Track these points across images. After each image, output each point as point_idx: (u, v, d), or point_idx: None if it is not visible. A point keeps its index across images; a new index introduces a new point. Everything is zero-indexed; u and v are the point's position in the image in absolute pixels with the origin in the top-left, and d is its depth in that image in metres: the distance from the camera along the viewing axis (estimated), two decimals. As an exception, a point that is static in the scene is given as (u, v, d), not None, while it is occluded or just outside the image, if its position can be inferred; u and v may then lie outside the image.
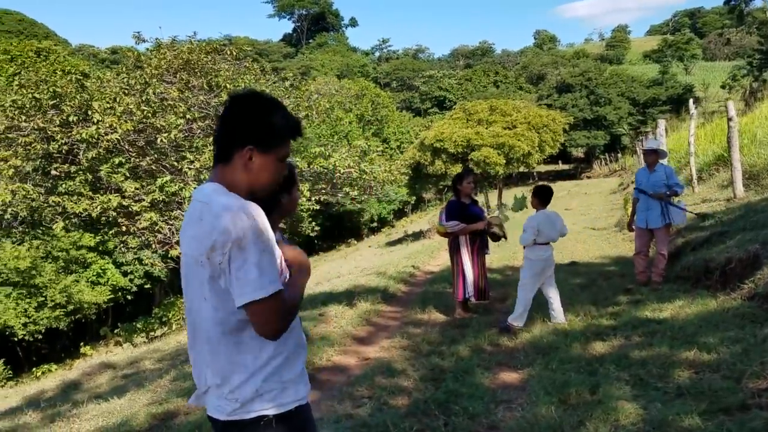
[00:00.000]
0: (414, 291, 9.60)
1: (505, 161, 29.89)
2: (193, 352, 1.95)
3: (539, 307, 6.84)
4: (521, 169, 37.45)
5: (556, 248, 12.29)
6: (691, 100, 12.65)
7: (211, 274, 1.77)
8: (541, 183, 6.96)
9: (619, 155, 49.34)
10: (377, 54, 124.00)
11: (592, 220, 17.27)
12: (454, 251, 7.15)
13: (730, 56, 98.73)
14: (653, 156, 7.38)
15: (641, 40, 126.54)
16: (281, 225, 2.53)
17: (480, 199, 37.18)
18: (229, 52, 13.79)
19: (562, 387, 4.32)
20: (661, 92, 61.02)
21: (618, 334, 5.42)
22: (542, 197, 6.27)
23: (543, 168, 60.46)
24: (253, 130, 1.86)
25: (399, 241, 29.06)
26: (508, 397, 4.46)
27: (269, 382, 1.84)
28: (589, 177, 53.47)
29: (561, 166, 65.30)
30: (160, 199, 11.65)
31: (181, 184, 11.70)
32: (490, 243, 7.45)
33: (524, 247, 6.32)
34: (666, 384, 4.18)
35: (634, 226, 7.57)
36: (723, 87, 66.81)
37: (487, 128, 30.65)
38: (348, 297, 8.48)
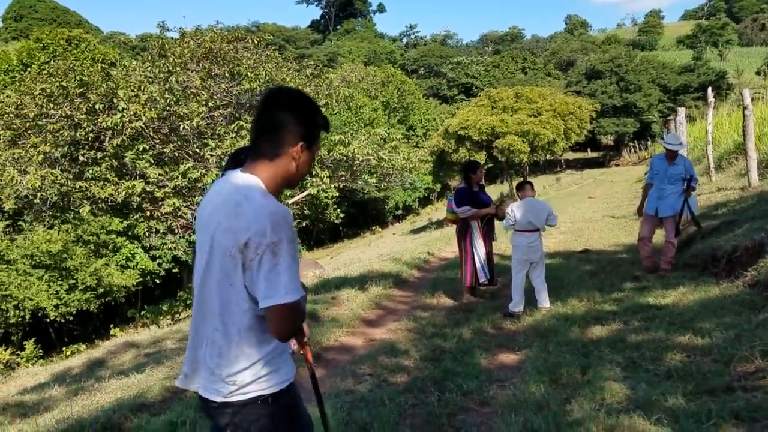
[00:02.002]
0: (426, 277, 9.76)
1: (529, 149, 29.77)
2: (197, 332, 2.05)
3: (548, 292, 6.96)
4: (547, 156, 37.26)
5: (572, 235, 12.42)
6: (709, 89, 12.50)
7: (242, 266, 1.87)
8: (522, 180, 7.33)
9: (649, 143, 48.64)
10: (405, 40, 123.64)
11: (613, 208, 17.20)
12: (463, 237, 7.28)
13: (767, 41, 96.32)
14: (675, 152, 7.27)
15: (675, 25, 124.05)
16: None
17: (505, 187, 37.09)
18: (250, 41, 14.00)
19: (555, 367, 4.47)
20: (692, 79, 59.79)
21: (618, 319, 5.52)
22: (521, 188, 6.66)
23: (571, 156, 59.90)
24: (306, 128, 1.98)
25: (423, 228, 29.19)
26: (503, 377, 4.62)
27: (267, 366, 1.97)
28: (617, 165, 52.87)
29: (590, 154, 64.53)
30: (183, 185, 11.96)
31: (203, 171, 12.00)
32: (498, 229, 7.59)
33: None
34: (657, 366, 4.29)
35: (642, 212, 7.57)
36: (758, 73, 65.35)
37: (511, 116, 30.49)
38: (361, 282, 8.68)
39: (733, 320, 4.89)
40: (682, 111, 12.06)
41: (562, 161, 56.46)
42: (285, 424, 2.02)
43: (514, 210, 6.44)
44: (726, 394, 3.71)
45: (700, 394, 3.75)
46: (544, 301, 6.47)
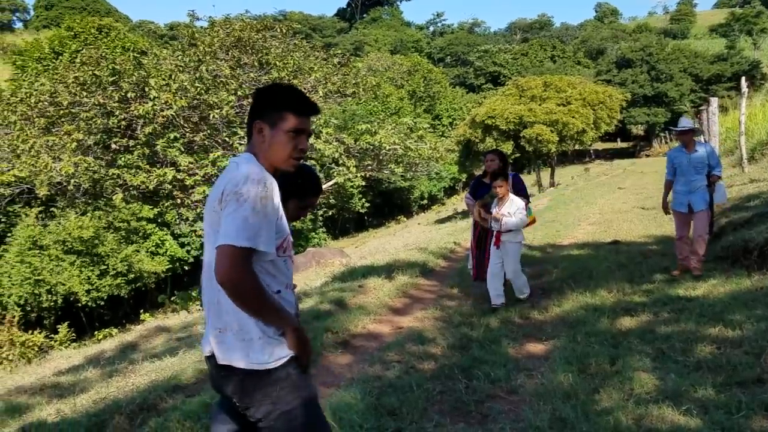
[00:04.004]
0: (453, 266, 9.76)
1: (558, 139, 29.42)
2: (204, 296, 2.22)
3: (576, 283, 6.94)
4: (576, 146, 36.83)
5: (602, 226, 12.34)
6: (743, 78, 12.28)
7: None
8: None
9: (680, 133, 47.71)
10: (431, 28, 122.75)
11: (643, 199, 16.99)
12: (473, 228, 7.23)
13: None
14: (689, 135, 6.93)
15: (708, 14, 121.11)
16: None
17: (532, 177, 36.74)
18: (279, 29, 14.07)
19: (583, 357, 4.47)
20: (725, 68, 58.51)
21: (647, 311, 5.50)
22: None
23: (600, 146, 59.12)
24: (259, 108, 2.23)
25: (448, 218, 29.13)
26: (531, 366, 4.64)
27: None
28: (647, 155, 52.08)
29: (619, 144, 63.68)
30: (213, 173, 12.12)
31: (233, 159, 12.13)
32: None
33: (506, 232, 6.33)
34: (687, 358, 4.29)
35: (672, 210, 7.27)
36: (794, 62, 63.68)
37: (540, 105, 30.14)
38: (388, 270, 8.72)
39: (764, 312, 4.85)
40: (714, 101, 11.89)
41: (591, 151, 55.76)
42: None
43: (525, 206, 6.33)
44: (756, 386, 3.71)
45: (730, 386, 3.75)
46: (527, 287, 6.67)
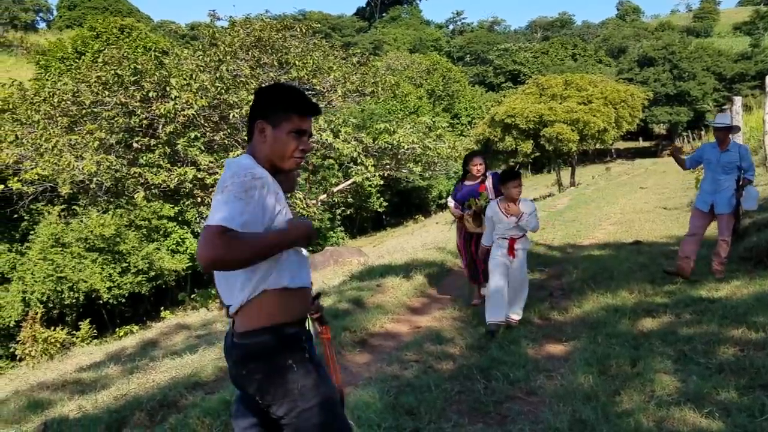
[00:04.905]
0: (472, 265, 9.72)
1: (578, 138, 29.21)
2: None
3: (596, 284, 6.88)
4: (597, 146, 36.50)
5: (623, 226, 12.21)
6: (767, 77, 12.06)
7: None
8: (506, 168, 6.29)
9: (703, 132, 47.22)
10: (451, 27, 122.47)
11: (665, 199, 16.83)
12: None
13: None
14: (725, 132, 6.57)
15: (732, 11, 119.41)
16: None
17: (552, 176, 36.49)
18: (299, 29, 14.12)
19: (604, 359, 4.43)
20: (749, 67, 57.75)
21: (669, 312, 5.44)
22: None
23: (622, 145, 58.65)
24: (261, 107, 2.23)
25: (467, 217, 28.93)
26: (551, 367, 4.61)
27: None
28: (670, 155, 51.49)
29: (641, 143, 63.05)
30: (233, 172, 12.16)
31: (252, 158, 12.17)
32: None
33: (518, 239, 5.78)
34: (709, 360, 4.23)
35: (692, 207, 7.06)
36: (820, 60, 62.49)
37: (561, 103, 29.95)
38: (405, 270, 8.70)
39: (789, 314, 4.77)
40: (738, 100, 11.65)
41: (612, 150, 55.31)
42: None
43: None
44: (781, 390, 3.64)
45: (753, 389, 3.69)
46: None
